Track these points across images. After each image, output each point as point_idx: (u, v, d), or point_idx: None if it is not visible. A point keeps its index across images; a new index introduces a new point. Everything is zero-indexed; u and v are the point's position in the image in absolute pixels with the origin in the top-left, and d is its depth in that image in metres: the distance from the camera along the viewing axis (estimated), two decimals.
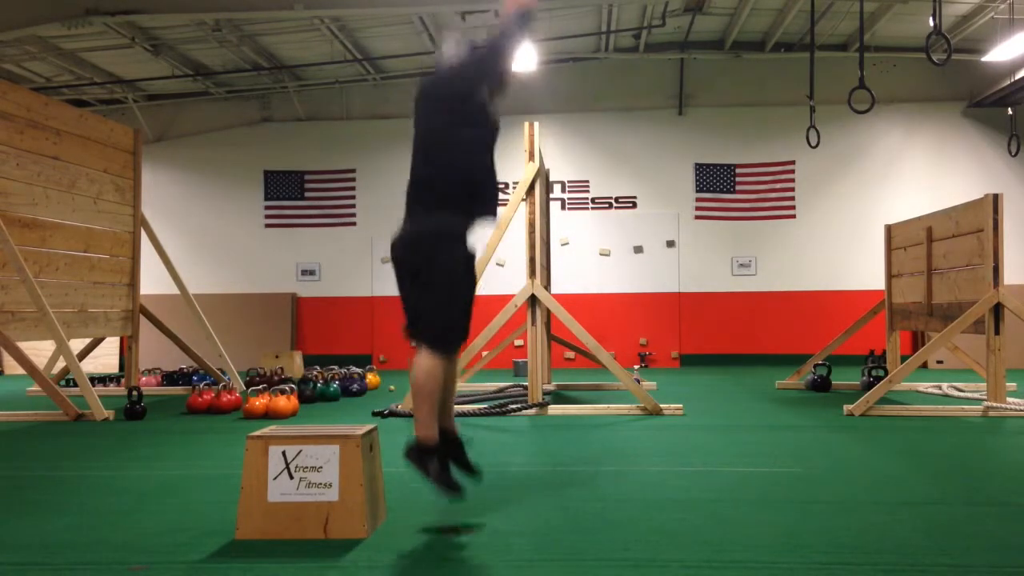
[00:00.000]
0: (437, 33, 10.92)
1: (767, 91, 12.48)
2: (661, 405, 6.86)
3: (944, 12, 9.58)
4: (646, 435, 5.82)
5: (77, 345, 9.11)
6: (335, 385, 8.29)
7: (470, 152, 3.49)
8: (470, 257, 3.50)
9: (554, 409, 6.95)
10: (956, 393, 8.04)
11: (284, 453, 3.23)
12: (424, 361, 3.35)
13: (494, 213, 3.56)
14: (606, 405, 7.04)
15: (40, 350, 10.95)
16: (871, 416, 6.65)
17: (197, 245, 12.92)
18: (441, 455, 3.38)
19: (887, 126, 12.35)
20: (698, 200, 12.59)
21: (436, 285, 3.38)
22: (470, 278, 3.50)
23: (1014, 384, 8.14)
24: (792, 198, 12.52)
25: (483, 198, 3.51)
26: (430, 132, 3.53)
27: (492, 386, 8.58)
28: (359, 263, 12.87)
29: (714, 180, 12.57)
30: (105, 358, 12.24)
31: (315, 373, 8.46)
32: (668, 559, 2.91)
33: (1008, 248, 7.43)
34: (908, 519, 3.43)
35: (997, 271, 6.59)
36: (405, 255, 3.45)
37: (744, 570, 2.79)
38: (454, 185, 3.44)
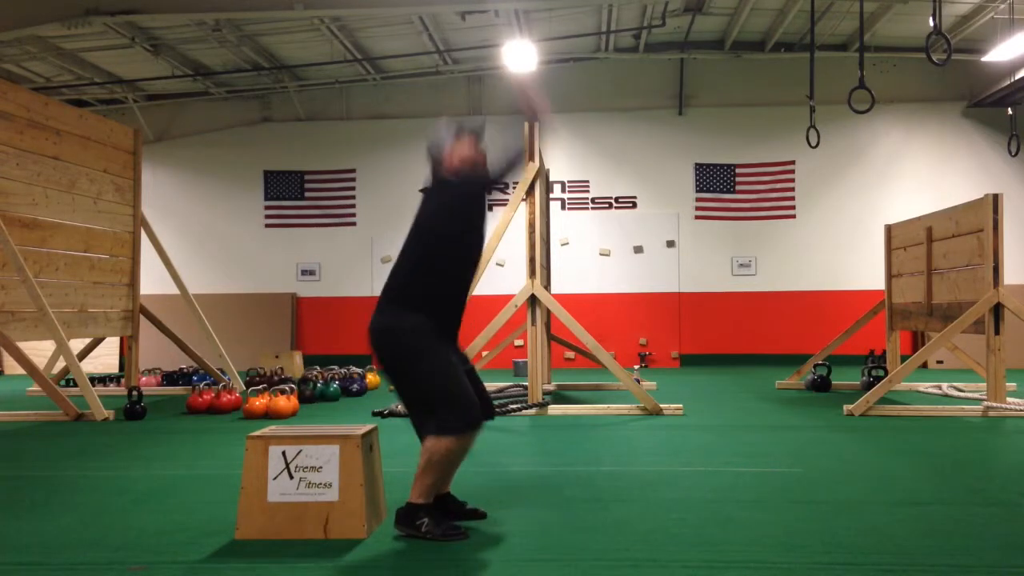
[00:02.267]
0: (437, 33, 10.92)
1: (767, 91, 12.48)
2: (661, 405, 6.86)
3: (944, 12, 9.58)
4: (646, 435, 5.82)
5: (77, 345, 9.11)
6: (335, 385, 8.29)
7: (465, 261, 3.42)
8: (445, 339, 3.32)
9: (554, 409, 6.95)
10: (956, 393, 8.03)
11: (284, 453, 3.23)
12: (451, 444, 3.14)
13: (455, 331, 3.40)
14: (606, 405, 7.04)
15: (40, 350, 10.95)
16: (871, 416, 6.65)
17: (197, 245, 12.91)
18: (432, 512, 3.20)
19: (887, 126, 12.35)
20: (698, 200, 12.59)
21: (421, 375, 3.21)
22: (445, 348, 3.29)
23: (1014, 384, 8.14)
24: (792, 198, 12.51)
25: (455, 317, 3.38)
26: (446, 231, 3.37)
27: (492, 386, 8.56)
28: (359, 263, 12.87)
29: (714, 180, 12.56)
30: (105, 358, 12.24)
31: (315, 373, 8.46)
32: (668, 559, 2.91)
33: (1008, 248, 7.44)
34: (908, 519, 3.43)
35: (997, 271, 6.59)
36: (379, 351, 3.29)
37: (744, 570, 2.79)
38: (441, 286, 3.32)
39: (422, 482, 3.17)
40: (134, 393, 6.98)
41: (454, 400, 3.17)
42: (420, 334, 3.24)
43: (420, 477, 3.18)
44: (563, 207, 12.65)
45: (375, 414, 6.87)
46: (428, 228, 3.38)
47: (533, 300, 6.97)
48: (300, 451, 3.23)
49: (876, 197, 12.30)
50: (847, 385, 8.73)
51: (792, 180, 12.50)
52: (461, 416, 3.16)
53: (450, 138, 3.49)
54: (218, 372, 9.29)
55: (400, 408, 6.83)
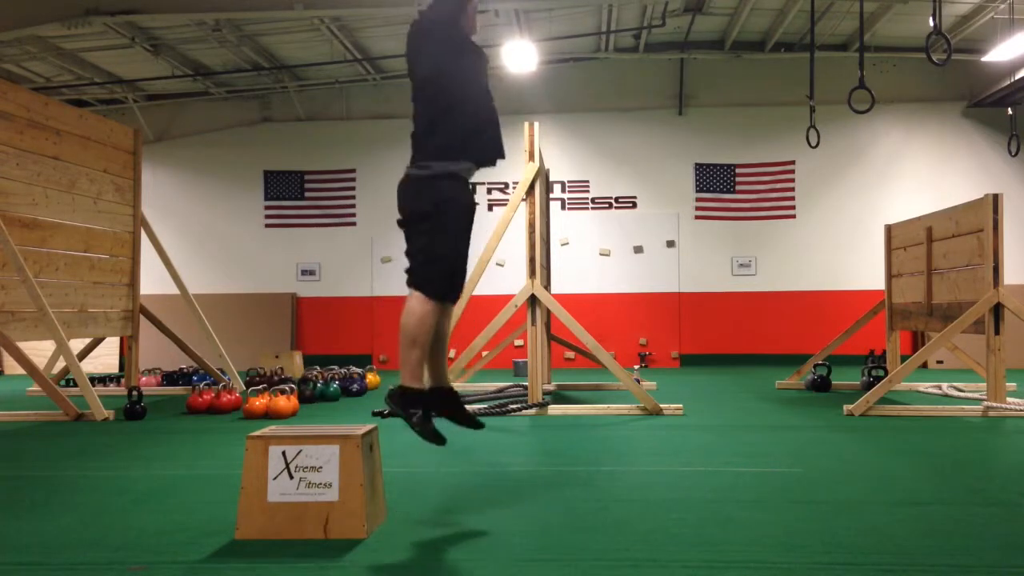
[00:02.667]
0: None
1: (767, 91, 12.48)
2: (661, 405, 6.86)
3: (944, 12, 9.58)
4: (646, 435, 5.82)
5: (77, 345, 9.11)
6: (335, 385, 8.29)
7: (467, 82, 3.48)
8: (469, 204, 3.51)
9: (554, 409, 6.95)
10: (956, 393, 8.03)
11: (284, 453, 3.23)
12: (416, 305, 3.37)
13: (499, 152, 3.53)
14: (606, 405, 7.04)
15: (40, 350, 10.94)
16: (871, 416, 6.65)
17: (197, 245, 12.92)
18: (427, 406, 3.38)
19: (887, 126, 12.35)
20: (698, 200, 12.59)
21: (431, 229, 3.40)
22: (466, 225, 3.50)
23: (1014, 384, 8.13)
24: (792, 198, 12.52)
25: (485, 135, 3.50)
26: (425, 71, 3.48)
27: (492, 386, 8.58)
28: (359, 263, 12.87)
29: (714, 180, 12.57)
30: (105, 358, 12.24)
31: (315, 373, 8.46)
32: (668, 559, 2.91)
33: (1008, 248, 7.43)
34: (908, 519, 3.43)
35: (997, 271, 6.59)
36: (403, 199, 3.49)
37: (744, 570, 2.79)
38: (455, 123, 3.43)
39: (406, 360, 3.36)
40: (134, 393, 6.98)
41: (436, 264, 3.40)
42: (449, 186, 3.41)
43: (402, 356, 3.39)
44: (563, 207, 12.65)
45: (375, 414, 6.87)
46: (419, 77, 3.50)
47: (533, 300, 6.97)
48: (300, 451, 3.23)
49: (876, 197, 12.31)
50: (847, 385, 8.73)
51: (792, 180, 12.50)
52: (431, 287, 3.38)
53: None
54: (218, 372, 9.29)
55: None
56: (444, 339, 3.59)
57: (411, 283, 3.45)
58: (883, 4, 10.20)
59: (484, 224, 12.24)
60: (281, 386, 7.16)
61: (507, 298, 7.20)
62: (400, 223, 3.52)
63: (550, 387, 8.65)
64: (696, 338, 12.44)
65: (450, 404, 3.56)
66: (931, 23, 6.83)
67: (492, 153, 3.52)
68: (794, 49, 11.88)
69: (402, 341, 3.38)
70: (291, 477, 3.21)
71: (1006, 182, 11.94)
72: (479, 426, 3.61)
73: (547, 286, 8.22)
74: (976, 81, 12.09)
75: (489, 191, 12.49)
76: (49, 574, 2.84)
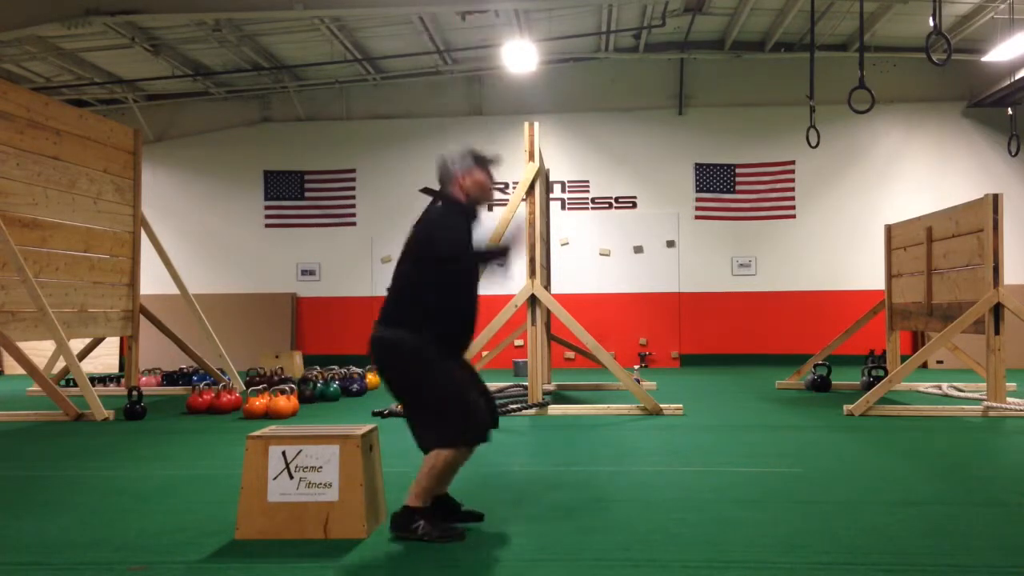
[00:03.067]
0: (437, 33, 10.92)
1: (767, 91, 12.48)
2: (661, 405, 6.86)
3: (944, 12, 9.58)
4: (646, 435, 5.82)
5: (77, 345, 9.11)
6: (335, 385, 8.29)
7: (472, 283, 3.44)
8: (444, 357, 3.32)
9: (554, 409, 6.95)
10: (956, 393, 8.03)
11: (284, 453, 3.23)
12: (452, 454, 3.18)
13: (466, 346, 3.45)
14: (606, 405, 7.04)
15: (40, 350, 10.94)
16: (871, 416, 6.65)
17: (197, 245, 12.91)
18: (428, 514, 3.22)
19: (887, 126, 12.35)
20: (698, 200, 12.59)
21: (431, 386, 3.23)
22: (450, 362, 3.32)
23: (1014, 384, 8.13)
24: (792, 198, 12.51)
25: (464, 338, 3.42)
26: (445, 253, 3.36)
27: (492, 386, 8.54)
28: (359, 263, 12.87)
29: (714, 180, 12.56)
30: (105, 358, 12.24)
31: (315, 373, 8.45)
32: (668, 559, 2.91)
33: (1008, 248, 7.43)
34: (908, 519, 3.43)
35: (997, 271, 6.59)
36: (380, 359, 3.33)
37: (744, 570, 2.79)
38: (457, 327, 3.36)
39: (421, 487, 3.20)
40: (134, 393, 6.98)
41: (463, 414, 3.21)
42: (425, 349, 3.25)
43: (420, 482, 3.20)
44: (563, 207, 12.65)
45: (375, 414, 6.87)
46: (428, 251, 3.36)
47: (533, 300, 6.97)
48: (300, 451, 3.23)
49: (876, 197, 12.30)
50: (847, 385, 8.73)
51: (792, 180, 12.50)
52: (469, 429, 3.20)
53: (469, 161, 3.52)
54: (218, 372, 9.29)
55: (399, 408, 6.82)
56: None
57: (440, 444, 3.19)
58: (883, 4, 10.20)
59: (484, 224, 12.25)
60: (281, 386, 7.16)
61: (507, 298, 7.19)
62: (388, 380, 3.34)
63: (550, 387, 8.66)
64: (696, 338, 12.43)
65: (449, 507, 3.43)
66: (931, 23, 6.83)
67: (465, 345, 3.45)
68: (794, 49, 11.88)
69: (427, 472, 3.19)
70: (291, 477, 3.21)
71: (1006, 182, 11.94)
72: (479, 517, 3.46)
73: (547, 286, 8.22)
74: (976, 81, 12.08)
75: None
76: (49, 574, 2.84)
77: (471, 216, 3.51)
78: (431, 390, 3.23)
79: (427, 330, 3.27)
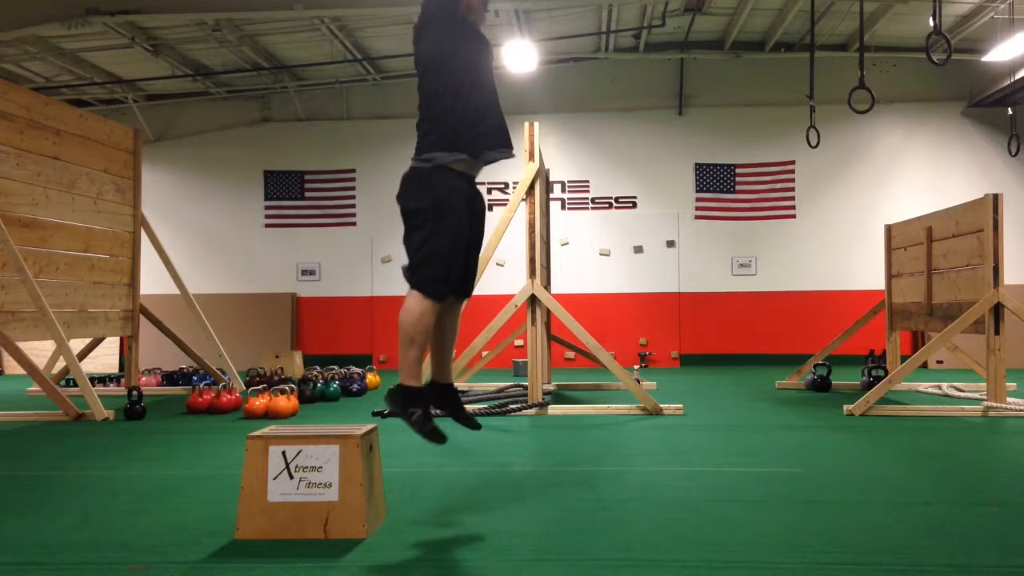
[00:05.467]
0: None
1: (767, 91, 12.48)
2: (661, 405, 6.86)
3: (944, 12, 9.58)
4: (646, 435, 5.82)
5: (77, 345, 9.11)
6: (335, 385, 8.29)
7: (465, 68, 3.40)
8: (469, 199, 3.44)
9: (554, 409, 6.95)
10: (956, 393, 8.04)
11: (284, 453, 3.23)
12: (413, 304, 3.30)
13: (499, 143, 3.45)
14: (606, 405, 7.04)
15: (40, 350, 10.95)
16: (871, 416, 6.65)
17: (197, 245, 12.91)
18: (426, 402, 3.32)
19: (887, 126, 12.35)
20: (698, 200, 12.59)
21: (425, 225, 3.33)
22: (464, 222, 3.40)
23: (1014, 384, 8.13)
24: (792, 198, 12.52)
25: (480, 126, 3.41)
26: (424, 58, 3.44)
27: (492, 386, 8.58)
28: (359, 263, 12.87)
29: (714, 180, 12.57)
30: (105, 358, 12.24)
31: (315, 373, 8.45)
32: (668, 559, 2.91)
33: (1008, 248, 7.42)
34: (908, 519, 3.43)
35: (997, 271, 6.59)
36: (400, 193, 3.44)
37: (744, 570, 2.79)
38: (449, 112, 3.36)
39: (404, 359, 3.28)
40: (134, 393, 6.97)
41: (431, 262, 3.30)
42: (426, 186, 3.34)
43: (400, 354, 3.30)
44: (563, 207, 12.65)
45: (375, 414, 6.87)
46: (419, 65, 3.45)
47: (533, 300, 6.97)
48: (300, 451, 3.23)
49: (876, 197, 12.31)
50: (847, 385, 8.73)
51: (792, 180, 12.50)
52: (427, 283, 3.29)
53: None
54: (218, 372, 9.29)
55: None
56: (450, 335, 3.53)
57: (408, 280, 3.38)
58: (883, 4, 10.20)
59: (484, 224, 12.25)
60: (281, 386, 7.16)
61: (507, 298, 7.20)
62: (402, 214, 3.46)
63: (550, 387, 8.65)
64: (696, 338, 12.43)
65: (449, 400, 3.52)
66: (931, 23, 6.82)
67: (490, 144, 3.41)
68: (794, 49, 11.88)
69: (400, 339, 3.32)
70: (291, 477, 3.21)
71: (1006, 182, 11.94)
72: (476, 426, 3.57)
73: (547, 286, 8.21)
74: (976, 81, 12.08)
75: (489, 191, 12.49)
76: (49, 574, 2.84)
77: (463, 24, 3.51)
78: (419, 232, 3.33)
79: (432, 145, 3.33)
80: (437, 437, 3.31)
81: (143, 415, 6.90)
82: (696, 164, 12.58)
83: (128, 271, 8.73)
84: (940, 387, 8.42)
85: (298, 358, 10.61)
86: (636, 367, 10.99)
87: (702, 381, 9.90)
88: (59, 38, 10.29)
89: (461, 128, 3.36)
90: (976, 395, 7.67)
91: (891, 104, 12.07)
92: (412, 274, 3.37)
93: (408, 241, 3.41)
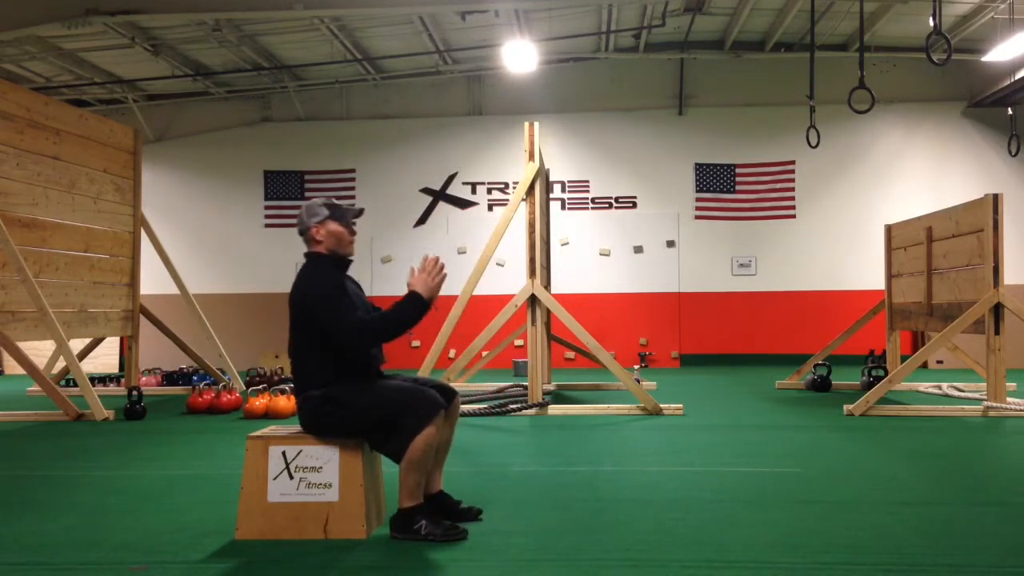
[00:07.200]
0: (437, 33, 10.92)
1: (767, 91, 12.48)
2: (661, 405, 6.86)
3: (944, 12, 9.58)
4: (646, 435, 5.82)
5: (77, 345, 9.11)
6: None
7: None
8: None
9: (554, 409, 6.95)
10: (956, 393, 8.04)
11: (284, 453, 3.23)
12: (419, 441, 3.15)
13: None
14: (606, 405, 7.04)
15: (40, 350, 10.94)
16: (871, 416, 6.65)
17: (197, 245, 12.91)
18: (427, 513, 3.22)
19: (887, 126, 12.35)
20: (698, 200, 12.59)
21: (368, 407, 3.26)
22: (379, 383, 3.36)
23: (1014, 384, 8.14)
24: (792, 198, 12.51)
25: (372, 363, 3.51)
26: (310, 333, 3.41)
27: (492, 386, 8.58)
28: (359, 263, 12.76)
29: (714, 180, 12.56)
30: (105, 358, 12.23)
31: None
32: (668, 559, 2.91)
33: (1008, 248, 7.43)
34: (908, 519, 3.43)
35: (997, 271, 6.59)
36: (311, 424, 3.37)
37: (744, 570, 2.79)
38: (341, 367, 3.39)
39: (406, 483, 3.18)
40: (134, 393, 6.98)
41: (407, 403, 3.20)
42: (342, 397, 3.28)
43: (403, 479, 3.19)
44: (563, 207, 12.65)
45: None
46: (303, 314, 3.41)
47: (533, 300, 6.97)
48: (300, 451, 3.23)
49: (876, 197, 12.30)
50: (847, 385, 8.73)
51: (792, 180, 12.50)
52: (423, 411, 3.17)
53: (323, 212, 3.48)
54: (218, 372, 9.29)
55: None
56: (445, 446, 3.47)
57: (408, 438, 3.17)
58: (883, 4, 10.20)
59: (484, 224, 12.27)
60: (281, 386, 7.16)
61: (507, 298, 7.19)
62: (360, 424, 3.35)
63: (550, 387, 8.65)
64: (696, 338, 12.43)
65: (445, 505, 3.42)
66: (931, 23, 6.82)
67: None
68: (794, 49, 11.88)
69: (405, 468, 3.18)
70: (291, 477, 3.21)
71: (1006, 182, 11.94)
72: (476, 515, 3.46)
73: (547, 286, 8.21)
74: (976, 81, 12.08)
75: (489, 191, 12.47)
76: (49, 574, 2.84)
77: (339, 265, 3.51)
78: (369, 414, 3.24)
79: (335, 384, 3.30)
80: (457, 532, 3.19)
81: (143, 415, 6.90)
82: (696, 164, 12.57)
83: (128, 271, 8.73)
84: (940, 387, 8.42)
85: None
86: (636, 367, 10.99)
87: (702, 381, 9.91)
88: (59, 38, 10.29)
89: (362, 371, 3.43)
90: (976, 395, 7.67)
91: (891, 104, 12.07)
92: (407, 426, 3.19)
93: (377, 428, 3.27)
